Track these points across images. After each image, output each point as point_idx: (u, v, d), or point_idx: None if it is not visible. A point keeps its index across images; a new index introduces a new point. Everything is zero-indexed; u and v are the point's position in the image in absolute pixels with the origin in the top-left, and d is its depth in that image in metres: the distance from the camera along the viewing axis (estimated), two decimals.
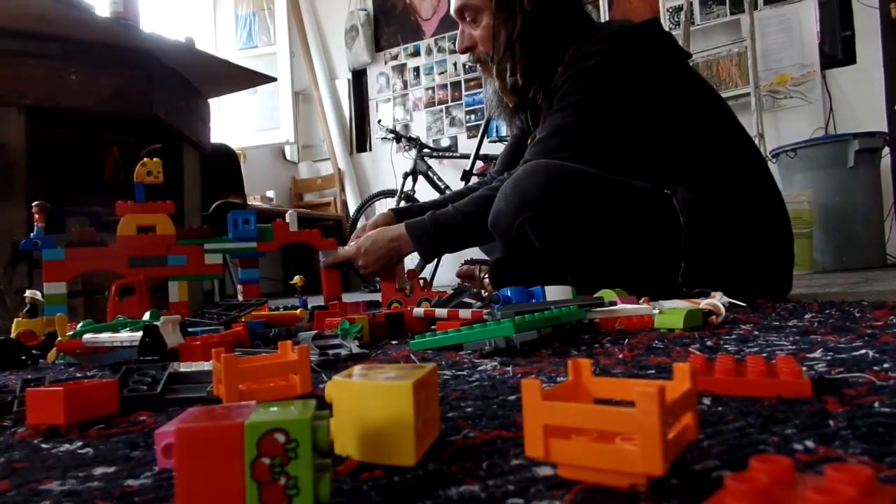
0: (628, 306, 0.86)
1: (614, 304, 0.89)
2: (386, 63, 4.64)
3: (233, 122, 4.34)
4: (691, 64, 1.25)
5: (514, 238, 1.14)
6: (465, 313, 0.86)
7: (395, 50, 4.60)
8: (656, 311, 0.82)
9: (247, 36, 4.51)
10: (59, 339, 0.82)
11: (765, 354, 0.55)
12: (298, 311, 1.10)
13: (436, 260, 3.37)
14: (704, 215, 1.11)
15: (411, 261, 3.77)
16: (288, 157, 4.84)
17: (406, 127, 4.52)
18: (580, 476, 0.27)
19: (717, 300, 0.84)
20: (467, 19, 1.28)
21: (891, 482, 0.25)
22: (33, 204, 1.20)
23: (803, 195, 2.55)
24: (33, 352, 0.88)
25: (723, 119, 1.20)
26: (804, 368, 0.47)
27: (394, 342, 0.86)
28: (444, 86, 4.42)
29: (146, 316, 0.88)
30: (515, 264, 1.19)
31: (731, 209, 1.13)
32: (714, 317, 0.81)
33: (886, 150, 2.67)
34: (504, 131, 4.10)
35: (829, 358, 0.52)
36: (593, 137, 1.15)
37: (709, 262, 1.11)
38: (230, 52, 4.21)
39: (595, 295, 0.95)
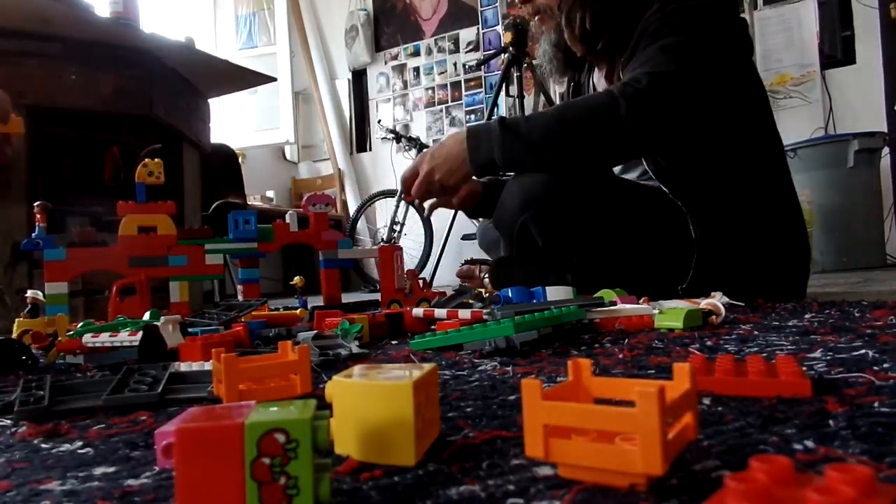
0: (627, 306, 0.86)
1: (614, 303, 0.89)
2: (386, 63, 4.64)
3: (233, 122, 4.34)
4: None
5: (517, 236, 1.13)
6: (464, 313, 0.86)
7: (395, 50, 4.60)
8: (656, 311, 0.82)
9: (247, 36, 4.52)
10: (59, 339, 0.82)
11: (765, 354, 0.55)
12: (298, 311, 1.10)
13: (435, 259, 3.37)
14: (719, 229, 1.09)
15: (411, 261, 3.76)
16: (288, 157, 4.85)
17: (406, 127, 4.52)
18: (580, 476, 0.27)
19: (717, 300, 0.84)
20: None
21: (891, 482, 0.25)
22: (35, 204, 1.20)
23: (803, 195, 2.53)
24: (35, 352, 0.89)
25: (763, 124, 1.17)
26: (804, 368, 0.47)
27: (394, 342, 0.86)
28: (444, 86, 4.42)
29: (146, 316, 0.88)
30: (517, 263, 1.19)
31: (750, 224, 1.11)
32: (714, 317, 0.81)
33: (886, 150, 2.68)
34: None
35: (829, 358, 0.52)
36: (701, 61, 1.02)
37: (717, 274, 1.09)
38: (230, 52, 4.21)
39: (595, 295, 0.95)
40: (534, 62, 1.39)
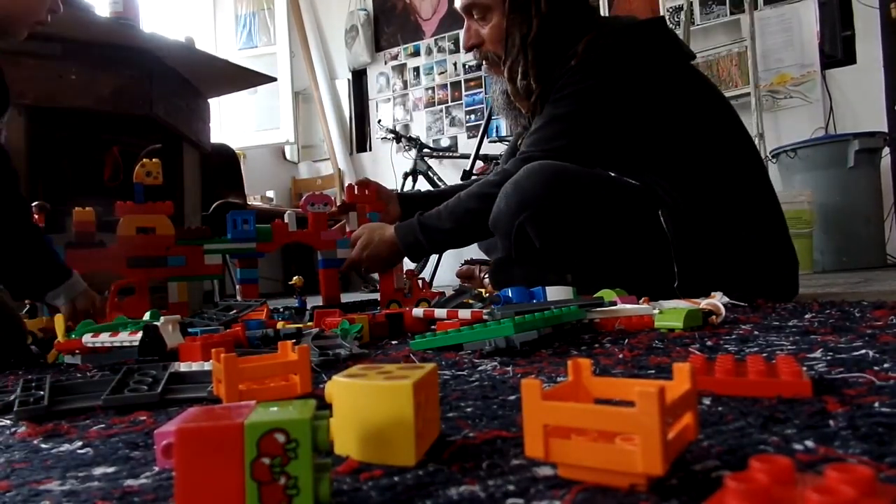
0: (627, 306, 0.86)
1: (614, 303, 0.89)
2: (386, 63, 4.64)
3: (233, 122, 4.34)
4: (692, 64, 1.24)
5: (515, 238, 1.13)
6: (464, 313, 0.86)
7: (395, 50, 4.60)
8: (656, 311, 0.82)
9: (247, 36, 4.51)
10: (58, 339, 0.82)
11: (765, 354, 0.55)
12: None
13: (435, 259, 3.37)
14: (693, 226, 1.10)
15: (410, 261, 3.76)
16: (288, 157, 4.85)
17: (406, 127, 4.52)
18: (580, 476, 0.27)
19: (717, 300, 0.84)
20: (475, 16, 1.24)
21: (891, 482, 0.25)
22: (33, 204, 1.20)
23: (803, 195, 2.55)
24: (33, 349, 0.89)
25: (724, 123, 1.19)
26: (804, 368, 0.47)
27: (394, 342, 0.86)
28: (444, 86, 4.42)
29: (146, 316, 0.88)
30: (517, 263, 1.19)
31: (725, 217, 1.12)
32: (714, 317, 0.81)
33: (886, 150, 2.68)
34: (504, 131, 4.10)
35: (829, 358, 0.52)
36: (588, 129, 1.14)
37: (701, 271, 1.10)
38: (230, 52, 4.20)
39: (595, 295, 0.95)
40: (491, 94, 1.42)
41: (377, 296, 1.37)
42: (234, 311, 1.03)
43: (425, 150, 3.88)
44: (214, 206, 2.75)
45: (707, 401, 0.40)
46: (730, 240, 1.11)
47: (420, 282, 1.39)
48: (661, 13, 3.46)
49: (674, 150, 1.15)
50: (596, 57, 1.12)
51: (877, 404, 0.36)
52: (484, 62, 1.31)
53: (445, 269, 3.14)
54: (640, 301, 0.95)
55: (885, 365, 0.47)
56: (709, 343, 0.65)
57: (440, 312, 0.89)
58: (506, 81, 1.24)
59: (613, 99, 1.13)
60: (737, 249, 1.12)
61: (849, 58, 3.08)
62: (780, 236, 1.18)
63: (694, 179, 1.13)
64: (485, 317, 0.82)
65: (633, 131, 1.14)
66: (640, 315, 0.82)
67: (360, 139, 4.77)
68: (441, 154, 4.06)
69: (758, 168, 1.20)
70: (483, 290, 1.22)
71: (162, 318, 0.80)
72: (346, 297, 1.47)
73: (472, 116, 4.30)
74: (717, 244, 1.11)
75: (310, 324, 0.98)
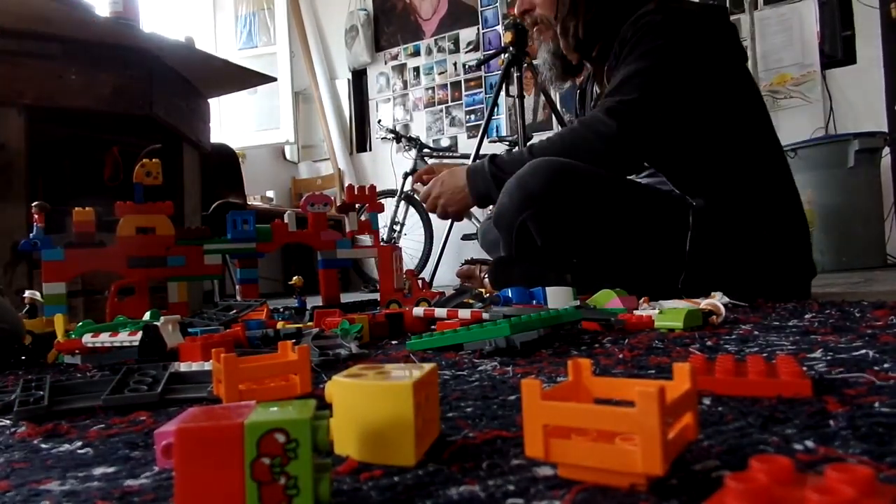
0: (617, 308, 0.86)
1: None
2: (386, 63, 4.64)
3: (233, 122, 4.34)
4: None
5: (517, 235, 1.14)
6: (464, 313, 0.86)
7: (395, 50, 4.60)
8: (656, 311, 0.82)
9: (247, 36, 4.51)
10: (58, 339, 0.82)
11: (765, 354, 0.55)
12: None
13: (435, 259, 3.37)
14: (716, 226, 1.10)
15: (411, 261, 3.76)
16: (288, 157, 4.84)
17: (406, 127, 4.52)
18: (580, 476, 0.27)
19: (717, 300, 0.84)
20: None
21: (891, 482, 0.25)
22: (33, 204, 1.20)
23: (803, 195, 2.52)
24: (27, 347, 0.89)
25: (760, 127, 1.18)
26: (804, 368, 0.47)
27: (394, 342, 0.86)
28: (444, 86, 4.42)
29: (146, 316, 0.88)
30: (517, 262, 1.19)
31: (748, 223, 1.12)
32: (714, 317, 0.81)
33: (886, 150, 2.68)
34: (504, 131, 4.10)
35: (829, 358, 0.52)
36: (663, 84, 1.12)
37: (712, 272, 1.10)
38: (230, 52, 4.21)
39: (595, 295, 0.95)
40: (534, 63, 1.43)
41: (377, 296, 1.37)
42: (234, 311, 1.03)
43: (425, 150, 3.88)
44: (214, 206, 2.75)
45: (707, 401, 0.40)
46: (752, 243, 1.11)
47: (420, 282, 1.39)
48: None
49: (714, 144, 1.14)
50: (664, 20, 1.12)
51: (877, 404, 0.36)
52: (534, 28, 1.34)
53: (445, 268, 3.14)
54: (641, 301, 0.95)
55: (885, 365, 0.47)
56: (709, 343, 0.65)
57: (440, 312, 0.89)
58: (557, 39, 1.27)
59: (683, 59, 1.12)
60: (758, 254, 1.11)
61: (849, 58, 3.08)
62: (801, 238, 1.18)
63: (726, 179, 1.13)
64: (484, 317, 0.82)
65: (690, 110, 1.13)
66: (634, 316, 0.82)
67: (360, 139, 4.77)
68: (441, 154, 4.06)
69: (786, 176, 1.19)
70: (483, 290, 1.22)
71: (162, 318, 0.80)
72: (345, 297, 1.47)
73: (472, 116, 4.30)
74: (738, 247, 1.11)
75: (310, 324, 0.98)
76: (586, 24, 1.22)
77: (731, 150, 1.14)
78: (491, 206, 1.27)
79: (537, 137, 2.96)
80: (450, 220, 1.34)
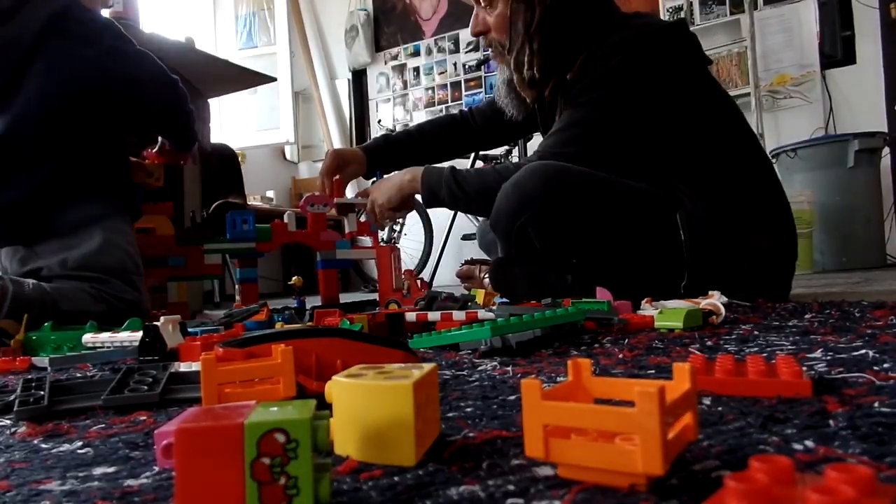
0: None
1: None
2: (386, 63, 4.64)
3: (233, 122, 4.34)
4: None
5: (515, 238, 1.13)
6: (458, 315, 0.86)
7: (395, 50, 4.60)
8: (657, 311, 0.82)
9: (247, 36, 4.51)
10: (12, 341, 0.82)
11: (765, 354, 0.55)
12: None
13: (435, 259, 3.37)
14: (708, 229, 1.10)
15: (411, 261, 3.76)
16: (288, 157, 4.84)
17: (406, 127, 4.52)
18: (580, 476, 0.27)
19: (716, 300, 0.84)
20: (482, 3, 1.23)
21: (891, 482, 0.25)
22: None
23: (803, 195, 2.55)
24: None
25: (735, 128, 1.19)
26: (804, 368, 0.47)
27: None
28: (444, 86, 4.42)
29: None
30: (517, 263, 1.19)
31: (738, 222, 1.12)
32: (714, 317, 0.81)
33: (886, 150, 2.68)
34: None
35: (829, 358, 0.52)
36: (605, 136, 1.13)
37: (712, 274, 1.10)
38: (230, 52, 4.20)
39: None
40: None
41: (376, 296, 1.37)
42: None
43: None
44: (214, 205, 2.75)
45: (707, 401, 0.40)
46: (741, 243, 1.12)
47: (419, 282, 1.39)
48: (661, 13, 3.46)
49: (690, 156, 1.15)
50: (619, 62, 1.10)
51: (877, 404, 0.36)
52: (490, 49, 1.30)
53: (445, 269, 3.14)
54: (643, 302, 0.95)
55: (885, 365, 0.47)
56: (709, 343, 0.65)
57: (433, 315, 0.89)
58: (511, 70, 1.22)
59: (632, 107, 1.11)
60: (746, 253, 1.12)
61: (849, 58, 3.08)
62: (788, 241, 1.18)
63: (709, 184, 1.13)
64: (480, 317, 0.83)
65: (652, 137, 1.14)
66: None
67: (360, 139, 4.77)
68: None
69: (769, 173, 1.20)
70: (483, 290, 1.22)
71: (162, 318, 0.80)
72: (345, 297, 1.47)
73: None
74: (729, 247, 1.11)
75: (310, 324, 0.98)
76: (542, 61, 1.17)
77: (706, 155, 1.15)
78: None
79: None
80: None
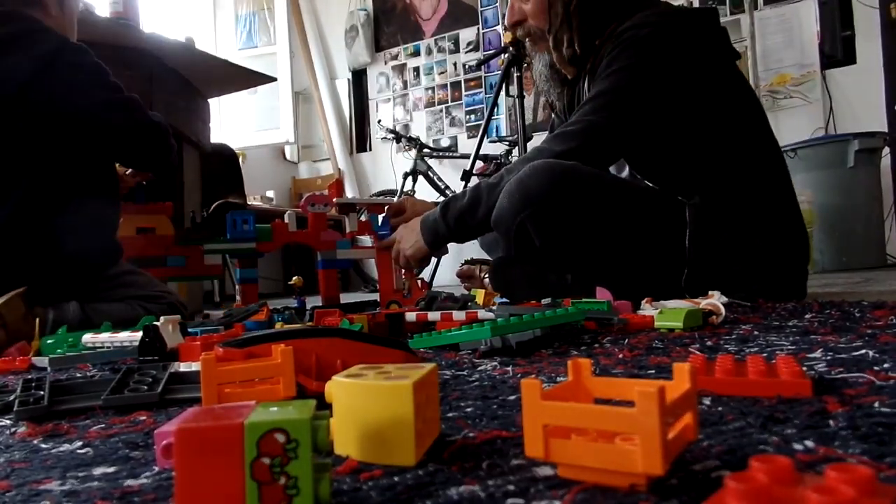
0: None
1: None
2: (386, 63, 4.64)
3: (233, 122, 4.34)
4: None
5: (515, 236, 1.13)
6: (459, 315, 0.86)
7: (395, 50, 4.60)
8: (657, 311, 0.82)
9: (247, 36, 4.51)
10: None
11: (765, 354, 0.55)
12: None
13: (435, 259, 3.37)
14: (714, 225, 1.10)
15: None
16: (288, 157, 4.84)
17: (406, 127, 4.52)
18: (580, 476, 0.27)
19: (716, 300, 0.84)
20: None
21: (891, 482, 0.25)
22: None
23: (803, 195, 2.54)
24: None
25: (755, 125, 1.18)
26: (804, 368, 0.47)
27: None
28: (444, 86, 4.42)
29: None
30: (517, 263, 1.19)
31: (746, 220, 1.11)
32: (714, 317, 0.81)
33: (886, 150, 2.67)
34: (504, 131, 4.10)
35: (829, 358, 0.52)
36: (633, 105, 1.10)
37: (714, 270, 1.10)
38: (230, 52, 4.20)
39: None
40: (532, 72, 1.41)
41: (377, 296, 1.37)
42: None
43: (425, 150, 3.88)
44: (214, 206, 2.75)
45: (707, 401, 0.40)
46: (750, 243, 1.11)
47: (419, 282, 1.39)
48: None
49: (709, 146, 1.14)
50: (648, 34, 1.10)
51: (877, 404, 0.36)
52: (527, 39, 1.31)
53: (445, 269, 3.13)
54: (643, 302, 0.95)
55: (885, 365, 0.47)
56: (709, 343, 0.65)
57: (433, 315, 0.89)
58: (551, 51, 1.24)
59: (663, 78, 1.10)
60: (756, 253, 1.11)
61: (849, 58, 3.08)
62: (798, 238, 1.18)
63: (722, 178, 1.13)
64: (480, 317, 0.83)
65: (672, 120, 1.12)
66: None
67: (360, 139, 4.77)
68: (441, 154, 4.06)
69: (783, 174, 1.19)
70: (483, 290, 1.22)
71: (162, 318, 0.80)
72: (345, 298, 1.47)
73: (472, 116, 4.29)
74: (736, 244, 1.10)
75: (310, 324, 0.98)
76: (581, 37, 1.19)
77: (724, 149, 1.14)
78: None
79: (537, 137, 2.96)
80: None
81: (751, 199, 1.12)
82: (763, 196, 1.14)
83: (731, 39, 1.20)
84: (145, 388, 0.53)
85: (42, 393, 0.52)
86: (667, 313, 0.80)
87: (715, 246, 1.10)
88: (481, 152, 3.50)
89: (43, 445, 0.41)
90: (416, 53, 4.51)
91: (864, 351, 0.54)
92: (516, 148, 3.30)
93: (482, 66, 4.19)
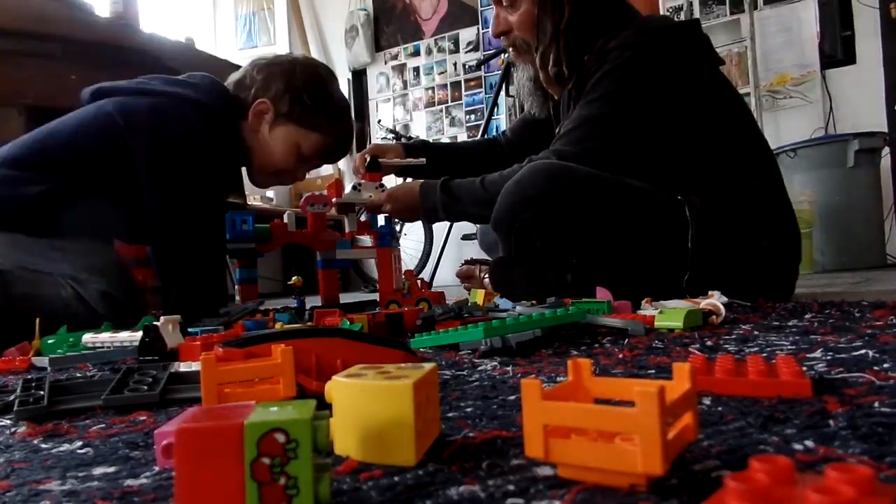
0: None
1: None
2: (386, 63, 4.64)
3: None
4: None
5: (516, 237, 1.13)
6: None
7: (395, 50, 4.60)
8: (657, 311, 0.82)
9: (247, 36, 4.51)
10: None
11: (765, 354, 0.55)
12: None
13: (435, 259, 3.37)
14: (715, 226, 1.10)
15: (411, 261, 3.75)
16: None
17: (406, 127, 4.52)
18: (580, 476, 0.27)
19: (716, 299, 0.84)
20: (503, 3, 1.24)
21: (891, 482, 0.25)
22: None
23: (803, 195, 2.54)
24: None
25: (744, 128, 1.19)
26: (804, 368, 0.47)
27: None
28: (444, 86, 4.41)
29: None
30: (517, 263, 1.19)
31: (743, 222, 1.12)
32: (714, 317, 0.81)
33: (886, 150, 2.67)
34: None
35: (829, 358, 0.52)
36: (619, 132, 1.12)
37: (715, 271, 1.10)
38: (230, 52, 4.20)
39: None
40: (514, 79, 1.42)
41: (376, 296, 1.36)
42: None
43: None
44: None
45: (707, 401, 0.40)
46: (745, 243, 1.12)
47: (419, 281, 1.39)
48: (661, 13, 3.46)
49: (699, 154, 1.15)
50: (631, 57, 1.11)
51: (877, 404, 0.36)
52: (511, 49, 1.30)
53: (445, 268, 3.14)
54: (643, 302, 0.95)
55: (885, 365, 0.47)
56: (709, 343, 0.65)
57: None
58: (537, 68, 1.23)
59: (645, 102, 1.12)
60: (750, 253, 1.12)
61: (849, 58, 3.08)
62: (793, 243, 1.18)
63: (716, 183, 1.13)
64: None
65: (660, 137, 1.14)
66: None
67: (360, 139, 4.77)
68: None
69: (775, 175, 1.20)
70: (483, 291, 1.22)
71: (162, 318, 0.80)
72: (345, 298, 1.47)
73: (472, 116, 4.29)
74: (734, 246, 1.11)
75: (310, 324, 0.98)
76: (569, 58, 1.18)
77: (715, 155, 1.15)
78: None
79: None
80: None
81: (744, 201, 1.13)
82: (755, 197, 1.14)
83: (713, 47, 1.21)
84: (145, 388, 0.53)
85: (42, 393, 0.52)
86: (667, 313, 0.80)
87: (716, 245, 1.10)
88: None
89: (43, 445, 0.41)
90: (416, 53, 4.51)
91: (864, 351, 0.54)
92: None
93: (482, 66, 4.19)
